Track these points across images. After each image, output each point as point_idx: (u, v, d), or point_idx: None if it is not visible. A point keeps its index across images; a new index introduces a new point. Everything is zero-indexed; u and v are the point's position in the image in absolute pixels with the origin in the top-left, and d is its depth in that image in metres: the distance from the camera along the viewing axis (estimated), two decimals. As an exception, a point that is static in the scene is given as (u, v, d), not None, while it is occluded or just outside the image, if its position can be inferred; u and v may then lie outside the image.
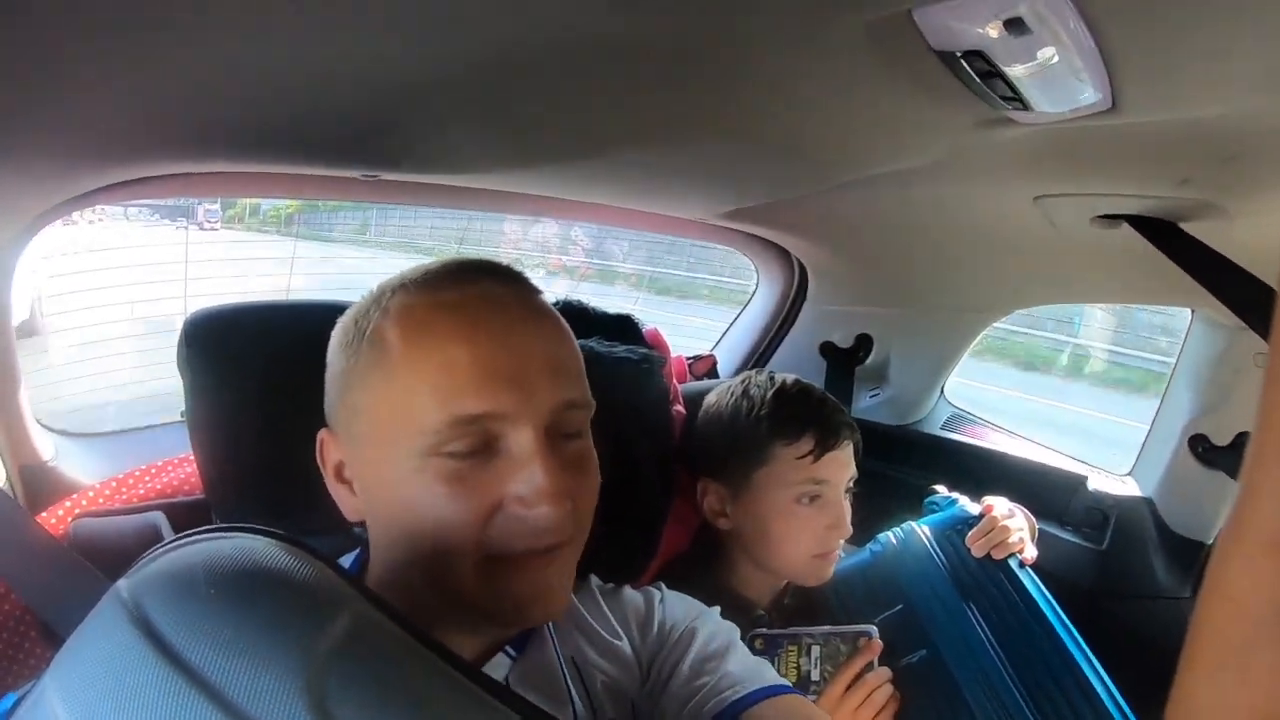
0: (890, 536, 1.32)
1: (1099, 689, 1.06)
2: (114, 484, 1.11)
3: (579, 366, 0.76)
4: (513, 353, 0.69)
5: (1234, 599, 0.33)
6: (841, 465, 1.26)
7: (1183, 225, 1.20)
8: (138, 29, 0.60)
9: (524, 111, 0.91)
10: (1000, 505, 1.29)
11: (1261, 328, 1.10)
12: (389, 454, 0.69)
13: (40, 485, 1.17)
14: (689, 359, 1.84)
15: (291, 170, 1.17)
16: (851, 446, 1.28)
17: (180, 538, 0.53)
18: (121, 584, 0.49)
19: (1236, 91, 0.79)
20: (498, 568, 0.69)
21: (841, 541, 1.26)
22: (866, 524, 1.30)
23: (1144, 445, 1.90)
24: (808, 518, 1.23)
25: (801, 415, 1.25)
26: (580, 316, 1.23)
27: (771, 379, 1.32)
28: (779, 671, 0.87)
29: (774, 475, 1.24)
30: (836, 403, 1.31)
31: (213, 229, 4.28)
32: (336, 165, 1.15)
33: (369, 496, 0.74)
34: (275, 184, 1.26)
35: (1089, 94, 0.80)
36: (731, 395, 1.32)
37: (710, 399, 1.36)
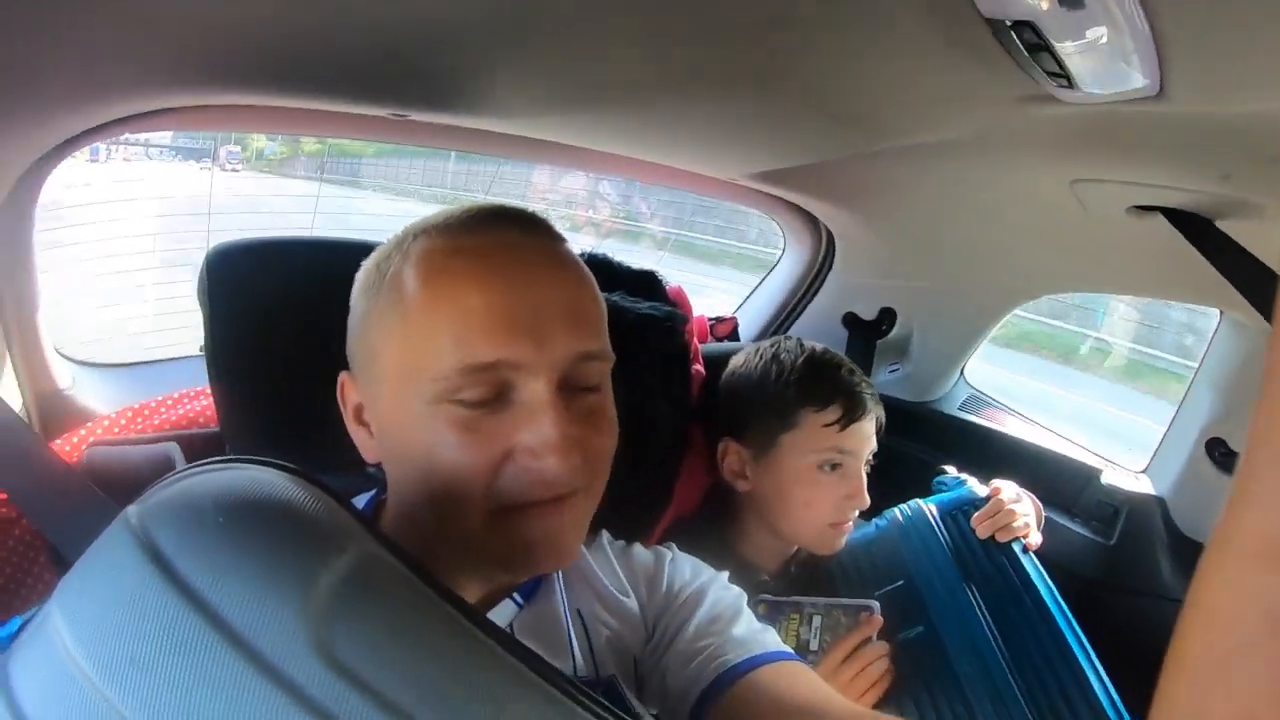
0: (897, 513, 1.33)
1: (1091, 676, 1.07)
2: (129, 414, 1.11)
3: (600, 318, 0.75)
4: (528, 301, 0.69)
5: (1217, 610, 0.32)
6: (864, 437, 1.27)
7: (1219, 223, 1.18)
8: None
9: (556, 54, 0.90)
10: (1008, 489, 1.30)
11: None
12: (403, 398, 0.70)
13: (56, 413, 1.18)
14: (711, 320, 1.83)
15: (318, 106, 1.16)
16: (874, 420, 1.29)
17: (192, 467, 0.53)
18: (131, 510, 0.49)
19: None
20: (508, 516, 0.70)
21: (856, 513, 1.27)
22: (876, 498, 1.30)
23: (1161, 444, 1.87)
24: (828, 485, 1.24)
25: (831, 383, 1.27)
26: (605, 270, 1.23)
27: (801, 345, 1.33)
28: (779, 637, 0.88)
29: (799, 440, 1.25)
30: (864, 375, 1.32)
31: (234, 170, 4.28)
32: (364, 102, 1.14)
33: (385, 439, 0.75)
34: (301, 120, 1.25)
35: (1137, 78, 0.78)
36: (760, 358, 1.33)
37: (737, 360, 1.37)
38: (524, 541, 0.71)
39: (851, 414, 1.25)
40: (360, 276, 0.77)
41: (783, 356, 1.31)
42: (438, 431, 0.67)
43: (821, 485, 1.24)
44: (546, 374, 0.68)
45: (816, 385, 1.26)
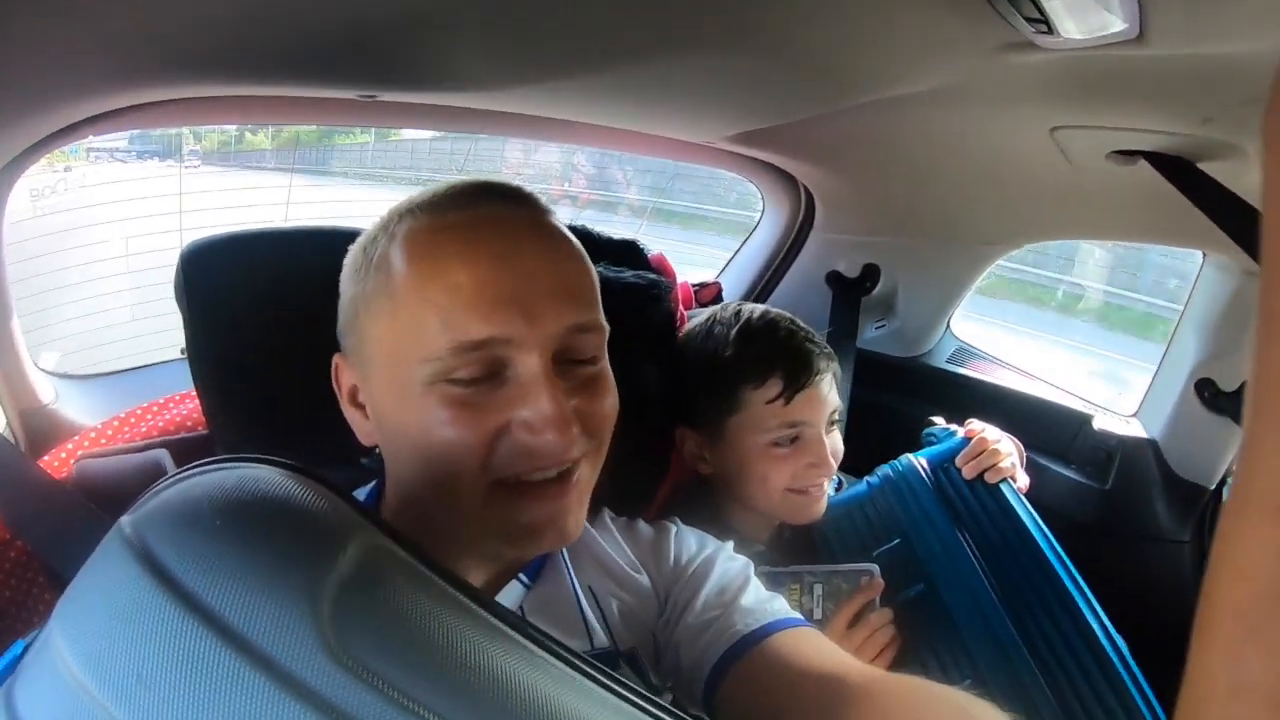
0: (888, 470, 1.31)
1: (1090, 618, 1.08)
2: (116, 423, 1.09)
3: (591, 289, 0.75)
4: (517, 275, 0.68)
5: (1245, 572, 0.30)
6: (818, 402, 1.20)
7: (1200, 165, 1.17)
8: None
9: (525, 24, 0.88)
10: (990, 430, 1.28)
11: None
12: (396, 379, 0.70)
13: (41, 429, 1.17)
14: (695, 285, 1.83)
15: (286, 93, 1.14)
16: (830, 377, 1.23)
17: (184, 471, 0.52)
18: (125, 520, 0.48)
19: (1268, 30, 0.76)
20: (509, 494, 0.70)
21: (823, 479, 1.23)
22: (867, 455, 1.29)
23: (1150, 387, 1.88)
24: (787, 458, 1.19)
25: (767, 355, 1.19)
26: (586, 241, 1.20)
27: (737, 315, 1.26)
28: None
29: (746, 421, 1.20)
30: (809, 333, 1.25)
31: (195, 167, 4.22)
32: (332, 85, 1.11)
33: (380, 421, 0.75)
34: (269, 108, 1.23)
35: (1117, 22, 0.78)
36: (698, 337, 1.27)
37: (683, 336, 1.31)
38: (527, 522, 0.71)
39: (794, 384, 1.17)
40: (348, 260, 0.77)
41: (716, 331, 1.24)
42: (431, 410, 0.68)
43: (780, 459, 1.19)
44: (540, 349, 0.68)
45: (752, 361, 1.19)
